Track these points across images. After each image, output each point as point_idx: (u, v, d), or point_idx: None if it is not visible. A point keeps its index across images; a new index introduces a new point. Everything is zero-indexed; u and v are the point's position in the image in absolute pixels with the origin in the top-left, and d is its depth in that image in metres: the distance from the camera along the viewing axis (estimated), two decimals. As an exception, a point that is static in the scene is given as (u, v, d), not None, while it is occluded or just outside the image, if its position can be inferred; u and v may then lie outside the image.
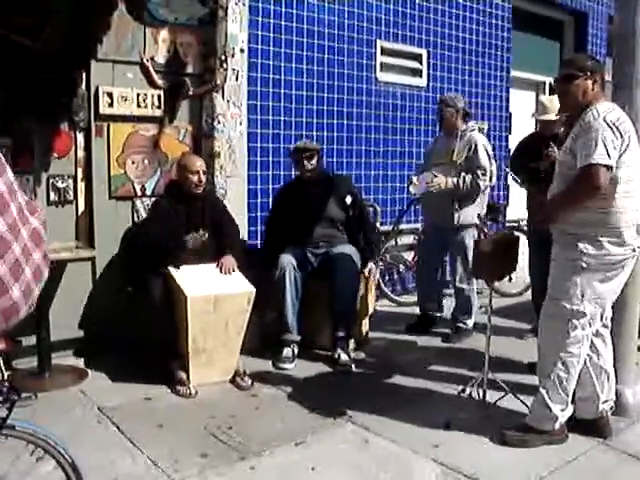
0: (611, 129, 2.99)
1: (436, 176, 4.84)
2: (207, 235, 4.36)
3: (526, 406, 3.50)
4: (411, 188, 4.92)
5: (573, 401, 3.33)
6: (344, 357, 4.44)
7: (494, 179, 5.01)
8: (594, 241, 3.07)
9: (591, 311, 3.15)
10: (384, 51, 6.17)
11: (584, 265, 3.09)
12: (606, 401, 3.36)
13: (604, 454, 3.22)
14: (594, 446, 3.28)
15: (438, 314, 5.42)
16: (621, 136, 3.01)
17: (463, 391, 3.87)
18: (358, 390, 4.04)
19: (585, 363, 3.28)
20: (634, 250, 3.14)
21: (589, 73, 3.16)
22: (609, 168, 2.97)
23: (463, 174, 4.85)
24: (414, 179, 4.94)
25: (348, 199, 4.75)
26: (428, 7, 6.49)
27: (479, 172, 4.84)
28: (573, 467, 3.08)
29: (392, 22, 6.20)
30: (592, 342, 3.27)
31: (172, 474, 2.94)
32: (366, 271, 4.76)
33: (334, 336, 4.52)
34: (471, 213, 4.84)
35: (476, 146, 4.87)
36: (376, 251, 5.10)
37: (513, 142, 6.87)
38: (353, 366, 4.42)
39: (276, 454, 3.17)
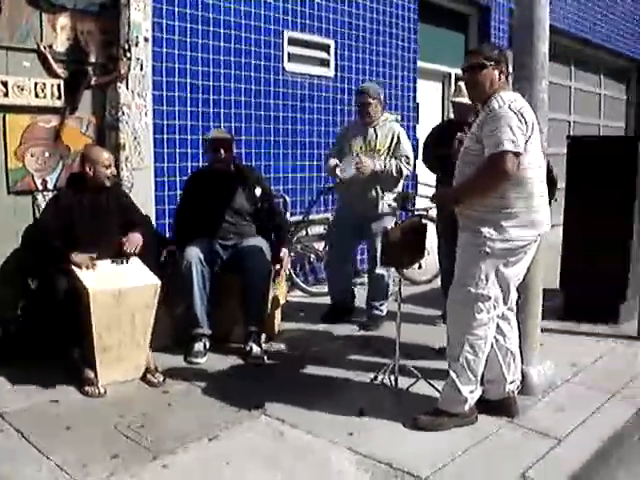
0: (517, 116, 3.08)
1: (361, 161, 4.83)
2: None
3: (437, 390, 3.57)
4: (338, 172, 4.87)
5: (482, 383, 3.42)
6: (256, 349, 4.39)
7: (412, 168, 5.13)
8: (498, 226, 3.14)
9: (495, 294, 3.25)
10: (291, 41, 6.15)
11: (488, 250, 3.16)
12: (513, 381, 3.47)
13: (513, 432, 3.33)
14: (503, 425, 3.39)
15: (352, 304, 5.46)
16: (525, 123, 3.10)
17: (375, 378, 3.92)
18: (271, 382, 4.02)
19: (492, 346, 3.38)
20: (536, 236, 3.25)
21: (496, 63, 3.23)
22: (517, 154, 3.05)
23: (388, 159, 4.93)
24: (340, 165, 4.89)
25: (257, 191, 4.71)
26: (335, -3, 6.50)
27: (404, 160, 4.95)
28: (484, 446, 3.17)
29: (299, 12, 6.19)
30: (498, 325, 3.37)
31: (81, 479, 2.83)
32: (281, 255, 4.72)
33: (246, 329, 4.48)
34: (391, 200, 4.96)
35: (399, 136, 5.00)
36: (287, 236, 5.12)
37: (421, 132, 7.00)
38: (265, 358, 4.39)
39: (189, 450, 3.11)
